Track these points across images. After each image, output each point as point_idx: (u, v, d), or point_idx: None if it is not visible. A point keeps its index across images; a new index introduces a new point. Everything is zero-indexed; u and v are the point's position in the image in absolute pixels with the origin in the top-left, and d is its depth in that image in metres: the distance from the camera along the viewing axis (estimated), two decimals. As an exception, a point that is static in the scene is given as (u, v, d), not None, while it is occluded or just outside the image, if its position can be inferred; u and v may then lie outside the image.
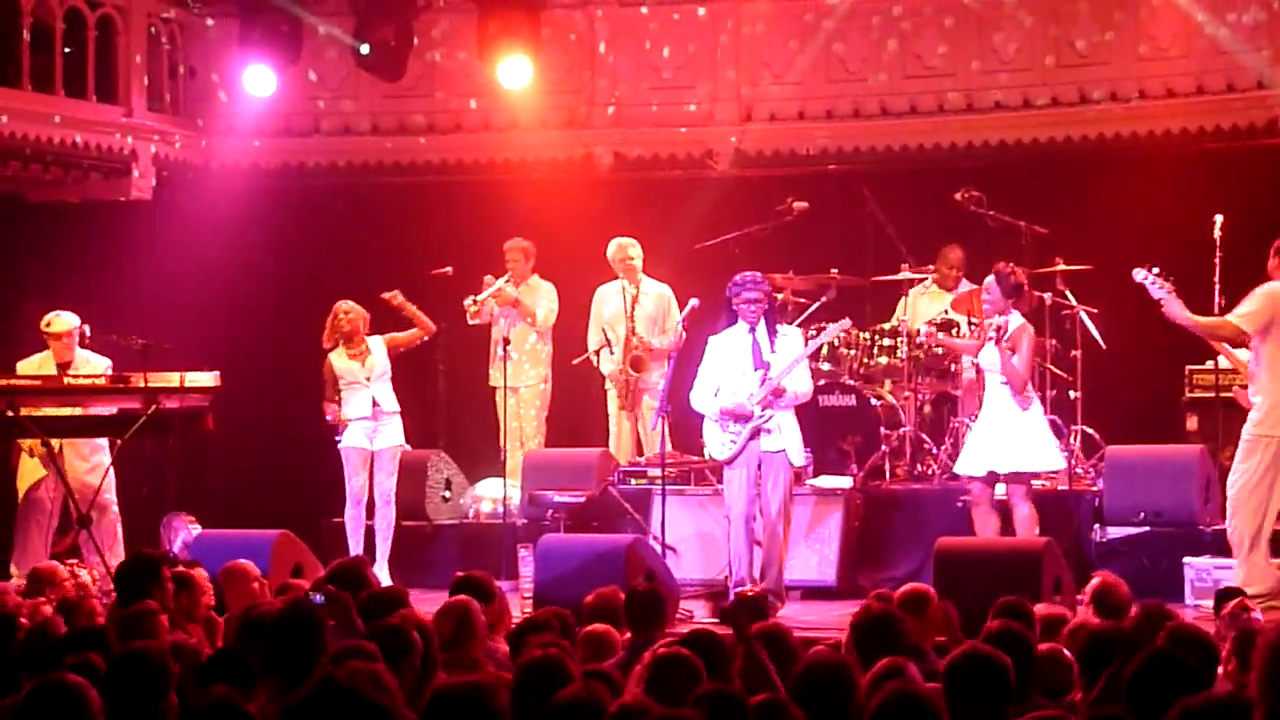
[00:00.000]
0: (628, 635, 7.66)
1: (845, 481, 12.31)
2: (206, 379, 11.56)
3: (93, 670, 5.59)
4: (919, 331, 12.46)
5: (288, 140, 15.61)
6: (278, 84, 14.80)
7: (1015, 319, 11.00)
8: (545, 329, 13.61)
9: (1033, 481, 11.09)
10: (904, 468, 12.64)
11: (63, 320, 12.12)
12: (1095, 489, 11.98)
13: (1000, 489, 11.04)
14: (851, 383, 12.79)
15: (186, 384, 11.49)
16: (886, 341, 12.94)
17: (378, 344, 12.36)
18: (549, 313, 13.57)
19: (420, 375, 13.29)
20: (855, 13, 14.81)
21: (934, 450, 12.64)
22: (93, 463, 12.05)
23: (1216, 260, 11.49)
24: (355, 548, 11.99)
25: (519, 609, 10.14)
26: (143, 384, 11.37)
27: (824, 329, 11.75)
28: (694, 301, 11.99)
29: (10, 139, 13.95)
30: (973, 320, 12.44)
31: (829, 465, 12.49)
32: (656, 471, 11.95)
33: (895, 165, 14.73)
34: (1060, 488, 11.66)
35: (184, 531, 12.78)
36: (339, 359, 12.27)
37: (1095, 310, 12.58)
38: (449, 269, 13.52)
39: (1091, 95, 14.38)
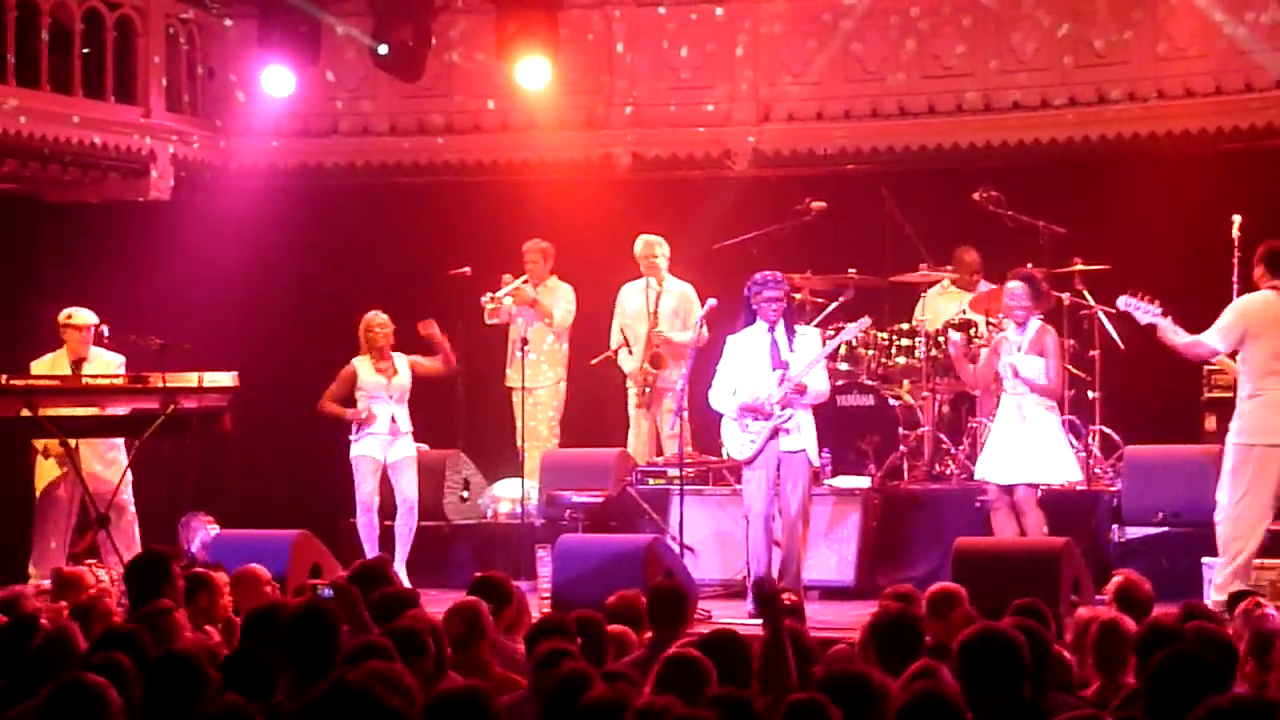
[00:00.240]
0: (647, 635, 7.67)
1: (864, 481, 12.29)
2: (225, 379, 11.58)
3: (118, 671, 5.60)
4: (945, 338, 12.39)
5: (306, 140, 15.64)
6: (296, 84, 14.81)
7: (1034, 323, 10.99)
8: (562, 329, 13.61)
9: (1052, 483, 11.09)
10: (922, 468, 12.63)
11: (83, 314, 12.14)
12: (1114, 489, 11.95)
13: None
14: (870, 383, 12.78)
15: (205, 384, 11.51)
16: (905, 341, 12.92)
17: (404, 364, 12.34)
18: (566, 313, 13.57)
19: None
20: (873, 13, 14.80)
21: (952, 450, 12.62)
22: (110, 463, 12.05)
23: (1234, 260, 11.46)
24: (370, 552, 11.98)
25: (537, 609, 10.14)
26: (161, 384, 11.40)
27: (843, 328, 11.73)
28: (712, 301, 11.98)
29: (29, 139, 13.99)
30: (991, 320, 12.43)
31: (847, 465, 12.48)
32: (675, 471, 11.94)
33: (913, 165, 14.72)
34: (1079, 488, 11.64)
35: (203, 532, 12.79)
36: (365, 370, 12.22)
37: (1113, 310, 12.53)
38: (467, 269, 13.53)
39: (1110, 95, 14.36)
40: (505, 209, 14.75)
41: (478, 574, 8.51)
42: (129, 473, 11.89)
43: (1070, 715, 5.44)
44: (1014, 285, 11.08)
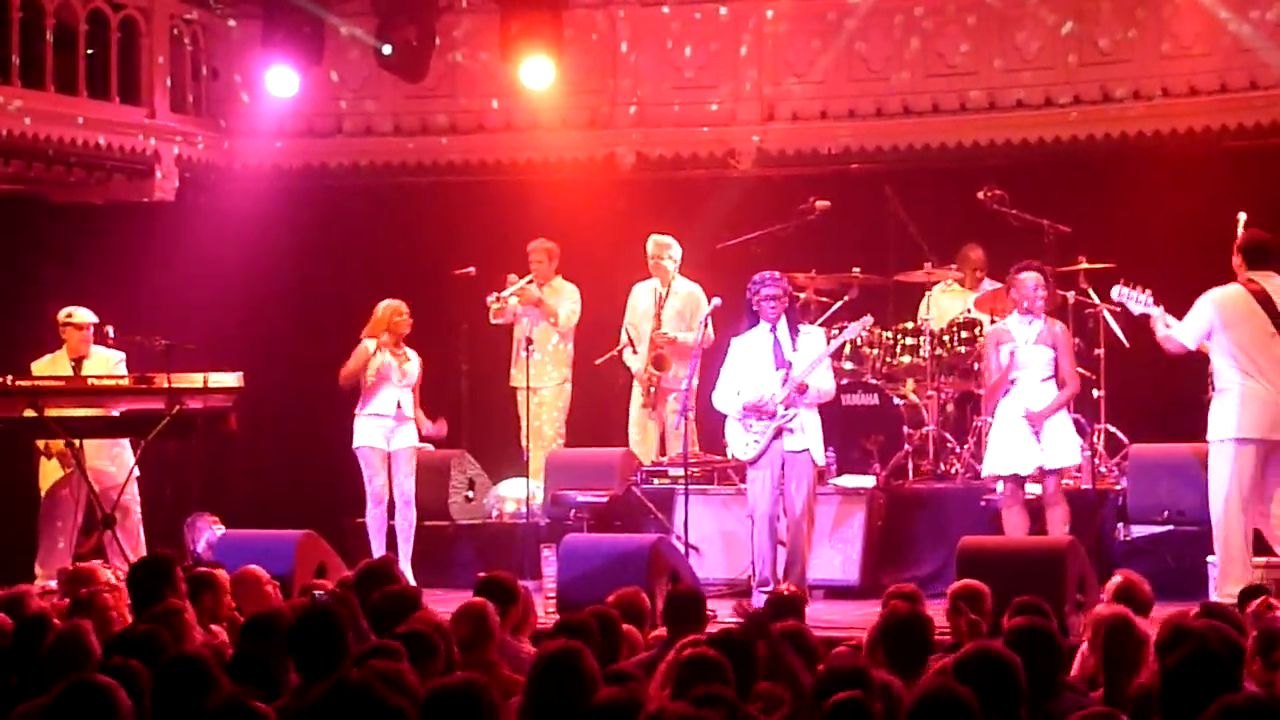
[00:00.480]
0: (653, 634, 7.67)
1: (868, 481, 12.29)
2: (229, 379, 11.59)
3: (127, 672, 5.60)
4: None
5: (310, 141, 15.64)
6: (300, 85, 14.81)
7: (1038, 318, 11.02)
8: (567, 329, 13.60)
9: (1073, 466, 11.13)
10: (927, 467, 12.62)
11: (82, 313, 12.15)
12: (1119, 488, 11.95)
13: (1031, 488, 11.00)
14: (874, 382, 12.78)
15: (209, 385, 11.52)
16: (909, 340, 12.91)
17: (415, 357, 12.36)
18: (571, 313, 13.56)
19: (443, 376, 13.29)
20: (877, 11, 14.79)
21: (957, 449, 12.62)
22: (115, 463, 12.06)
23: (1240, 258, 11.44)
24: (378, 548, 11.98)
25: (542, 609, 10.14)
26: (166, 385, 11.40)
27: (846, 327, 11.74)
28: (716, 301, 11.98)
29: (34, 140, 14.00)
30: (995, 319, 12.43)
31: (852, 464, 12.47)
32: (679, 471, 11.95)
33: (918, 164, 14.71)
34: (1084, 486, 11.64)
35: (208, 532, 12.80)
36: (380, 352, 12.25)
37: (1118, 308, 12.54)
38: (471, 269, 13.55)
39: (1114, 93, 14.35)
40: (509, 209, 14.75)
41: (482, 574, 8.51)
42: (135, 473, 11.89)
43: (1083, 714, 5.42)
44: (1030, 276, 11.08)
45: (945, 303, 13.35)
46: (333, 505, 12.96)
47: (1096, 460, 12.02)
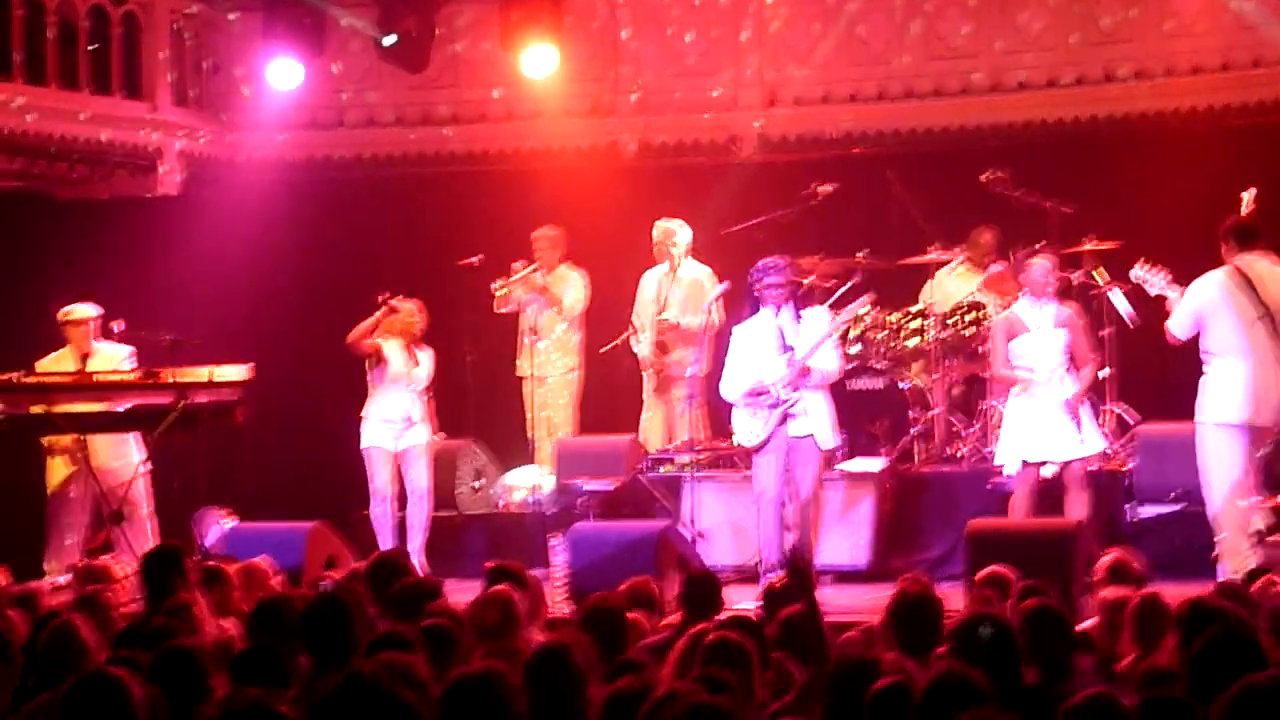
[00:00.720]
0: (663, 621, 7.68)
1: (875, 465, 12.28)
2: (236, 373, 11.59)
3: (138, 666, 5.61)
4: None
5: (312, 133, 15.65)
6: (302, 77, 14.81)
7: (1049, 302, 11.02)
8: (573, 317, 13.60)
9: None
10: (934, 450, 12.62)
11: (81, 309, 12.16)
12: (1127, 468, 11.95)
13: (1047, 472, 10.99)
14: (880, 366, 12.77)
15: (216, 378, 11.51)
16: (915, 324, 12.90)
17: (427, 358, 12.35)
18: (576, 301, 13.56)
19: (449, 365, 13.29)
20: (878, -6, 14.80)
21: (963, 433, 12.61)
22: (122, 458, 12.07)
23: (1245, 237, 11.44)
24: (384, 544, 11.99)
25: (551, 598, 10.15)
26: (172, 379, 11.41)
27: (845, 307, 11.73)
28: (724, 284, 11.97)
29: (37, 137, 14.01)
30: (1000, 302, 12.43)
31: (859, 449, 12.47)
32: (686, 458, 11.94)
33: (921, 147, 14.70)
34: (1092, 467, 11.63)
35: (217, 525, 12.81)
36: (392, 349, 12.23)
37: (1127, 287, 12.53)
38: (476, 259, 13.54)
39: (1117, 73, 14.34)
40: (513, 198, 14.75)
41: (491, 563, 8.53)
42: (143, 469, 11.90)
43: (1090, 692, 5.43)
44: (1041, 262, 11.07)
45: (952, 285, 13.33)
46: (340, 498, 12.95)
47: (1105, 441, 12.00)
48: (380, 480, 12.22)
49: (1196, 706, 4.73)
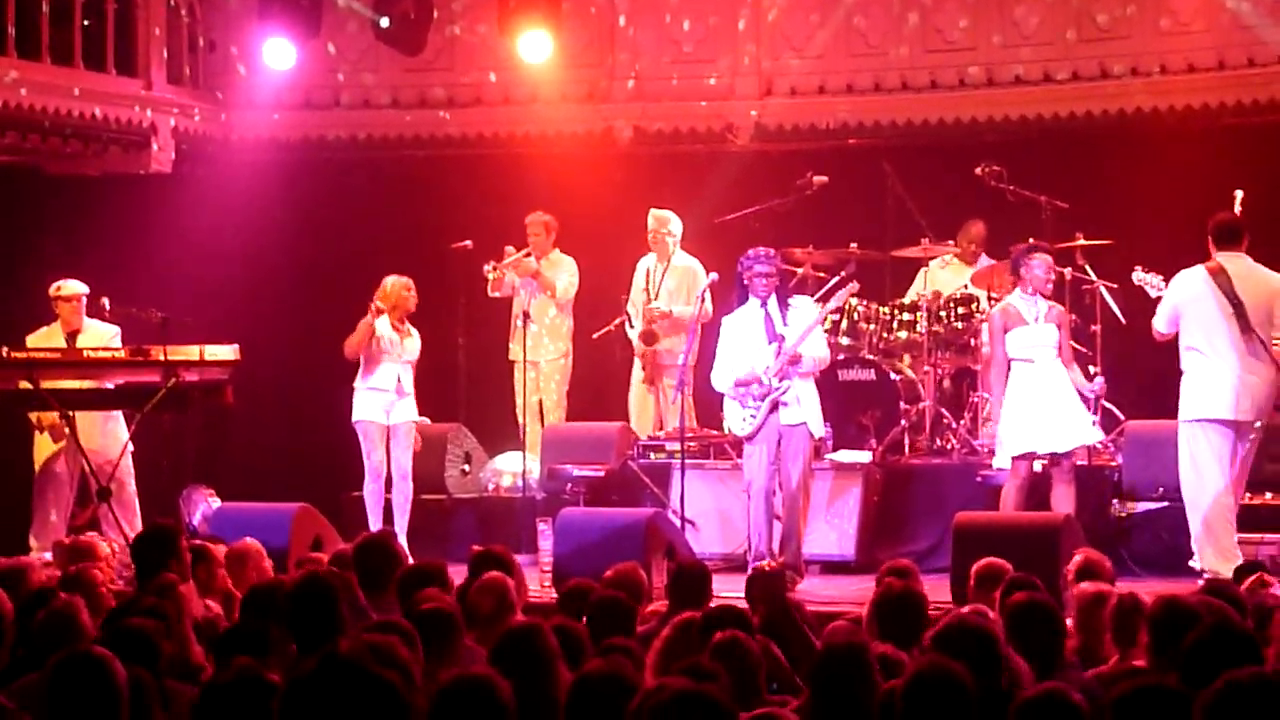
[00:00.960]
0: (649, 608, 7.68)
1: (864, 456, 12.29)
2: (226, 352, 11.57)
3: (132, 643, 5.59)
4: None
5: (307, 114, 15.61)
6: (297, 57, 14.77)
7: (1041, 298, 11.03)
8: (565, 302, 13.60)
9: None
10: (923, 442, 12.63)
11: (71, 285, 12.13)
12: (1115, 464, 11.96)
13: (1038, 465, 11.00)
14: (871, 357, 12.78)
15: (206, 357, 11.50)
16: (906, 316, 12.90)
17: (417, 335, 12.35)
18: (568, 286, 13.55)
19: (440, 349, 13.29)
20: (876, -14, 14.78)
21: (953, 425, 12.62)
22: (110, 435, 12.05)
23: (1236, 236, 11.45)
24: (375, 522, 11.99)
25: (538, 583, 10.15)
26: (162, 357, 11.38)
27: (833, 295, 11.74)
28: (713, 276, 11.98)
29: (30, 111, 13.96)
30: (993, 295, 12.44)
31: (848, 440, 12.48)
32: (675, 446, 11.95)
33: (916, 140, 14.69)
34: (1080, 463, 11.63)
35: (204, 505, 12.81)
36: (383, 325, 12.23)
37: (1115, 285, 12.55)
38: (469, 243, 13.55)
39: (1112, 70, 14.32)
40: (507, 182, 14.73)
41: (477, 548, 8.52)
42: (130, 446, 11.89)
43: (1042, 688, 5.44)
44: (1043, 258, 11.08)
45: (943, 278, 13.33)
46: (329, 479, 12.96)
47: (1105, 440, 12.02)
48: (375, 458, 12.20)
49: (1178, 692, 4.73)
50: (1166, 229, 12.72)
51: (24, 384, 11.36)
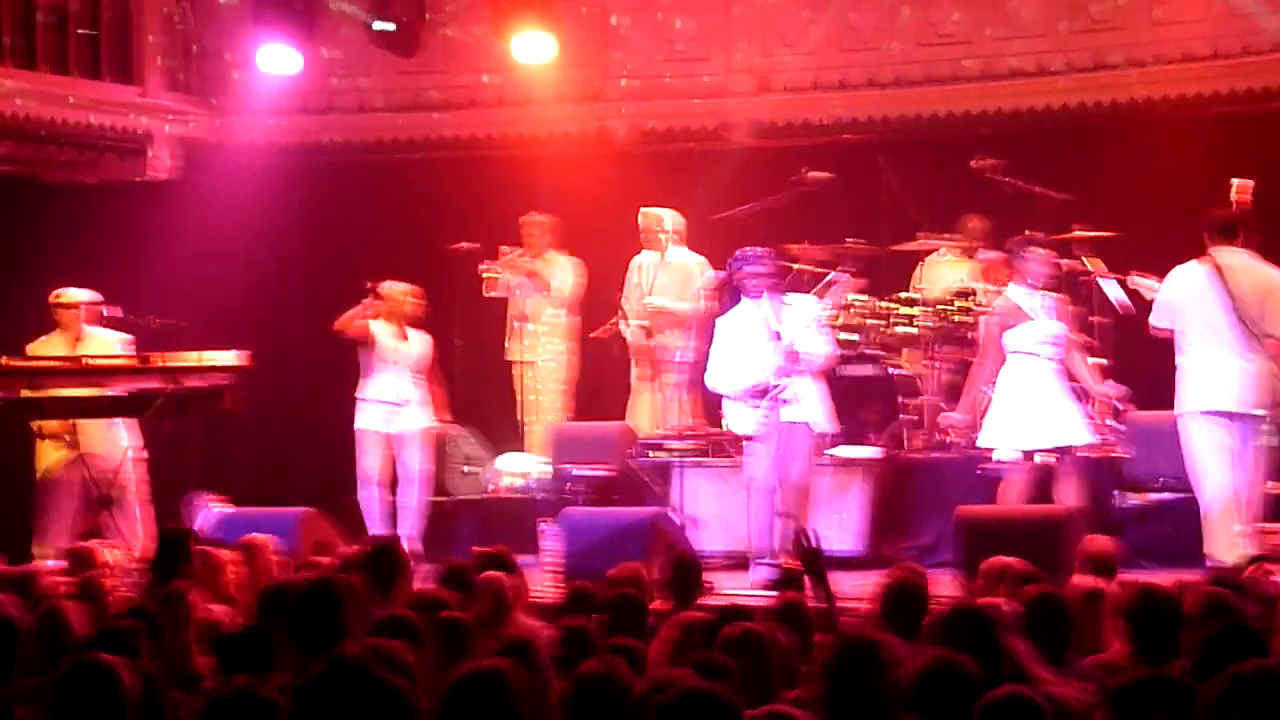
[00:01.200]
0: (652, 605, 7.69)
1: (866, 451, 12.29)
2: (227, 358, 11.60)
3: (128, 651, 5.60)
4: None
5: (303, 118, 15.61)
6: (293, 62, 14.80)
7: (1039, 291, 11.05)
8: (563, 300, 13.60)
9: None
10: (924, 437, 12.63)
11: (72, 293, 12.15)
12: (1118, 455, 11.96)
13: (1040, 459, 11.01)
14: (871, 352, 12.78)
15: (207, 363, 11.52)
16: (905, 310, 12.90)
17: (421, 338, 12.33)
18: (564, 284, 13.56)
19: (439, 350, 13.28)
20: (868, -19, 14.79)
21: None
22: (113, 443, 12.06)
23: (1234, 224, 11.45)
24: (371, 527, 12.00)
25: (541, 583, 10.16)
26: (163, 364, 11.40)
27: (829, 289, 11.74)
28: (712, 273, 11.98)
29: (26, 120, 13.98)
30: (990, 289, 12.43)
31: (849, 435, 12.47)
32: (677, 444, 11.95)
33: (911, 134, 14.69)
34: (1081, 454, 11.64)
35: (208, 510, 12.80)
36: (382, 332, 12.23)
37: (1116, 277, 12.56)
38: (466, 244, 13.55)
39: (1107, 60, 14.32)
40: (503, 183, 14.74)
41: (480, 549, 8.54)
42: (131, 452, 11.90)
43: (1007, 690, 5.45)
44: (1043, 252, 11.10)
45: (941, 272, 13.34)
46: (332, 483, 12.96)
47: (1103, 437, 12.03)
48: (366, 464, 12.23)
49: (1176, 682, 4.73)
50: (1164, 218, 12.72)
51: (26, 392, 11.38)
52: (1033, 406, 10.86)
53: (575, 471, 12.34)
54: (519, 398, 13.57)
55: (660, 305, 13.22)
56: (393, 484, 12.35)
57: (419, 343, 12.34)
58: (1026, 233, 12.14)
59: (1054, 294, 11.11)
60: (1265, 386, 10.14)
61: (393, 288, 12.28)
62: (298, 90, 15.42)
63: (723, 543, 11.86)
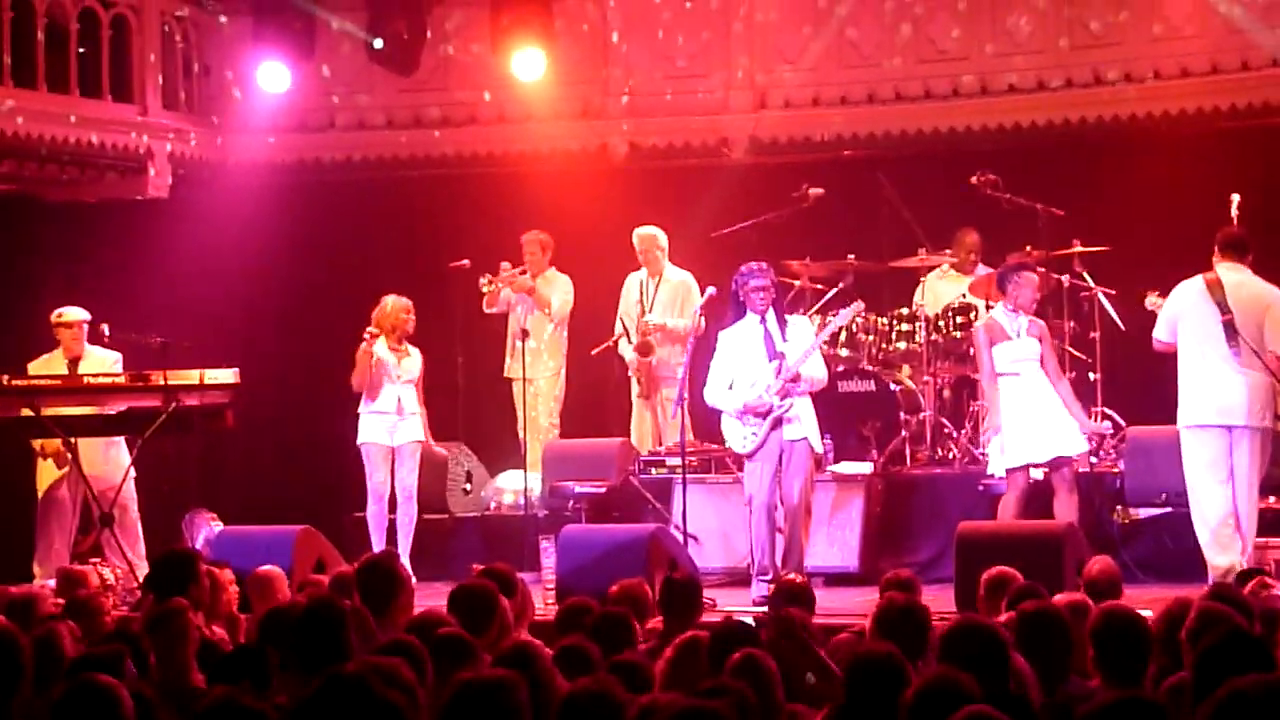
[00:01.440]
0: (651, 624, 7.68)
1: (866, 467, 12.29)
2: (226, 376, 11.59)
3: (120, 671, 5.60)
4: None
5: (303, 136, 15.63)
6: (292, 80, 14.83)
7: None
8: (561, 318, 13.61)
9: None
10: (924, 452, 12.63)
11: (73, 312, 12.16)
12: (1116, 470, 11.97)
13: (1036, 475, 11.01)
14: (870, 368, 12.78)
15: (206, 381, 11.52)
16: (905, 326, 12.92)
17: (418, 354, 12.36)
18: (563, 303, 13.57)
19: (439, 368, 13.29)
20: (868, -2, 14.80)
21: (954, 434, 12.62)
22: (111, 464, 12.06)
23: (1234, 240, 11.46)
24: (378, 544, 11.99)
25: (541, 600, 10.16)
26: (162, 382, 11.41)
27: (838, 314, 11.76)
28: (710, 290, 11.99)
29: (26, 139, 13.98)
30: (990, 304, 12.44)
31: (849, 451, 12.48)
32: (677, 460, 11.95)
33: (910, 150, 14.70)
34: (1081, 469, 11.65)
35: (206, 529, 12.81)
36: (380, 348, 12.23)
37: (1113, 291, 12.57)
38: (466, 262, 13.57)
39: (1106, 76, 14.33)
40: (503, 201, 14.76)
41: (479, 566, 8.53)
42: (132, 471, 11.90)
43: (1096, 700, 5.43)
44: (1032, 276, 11.14)
45: (941, 288, 13.36)
46: (331, 501, 12.98)
47: (1094, 443, 12.03)
48: (377, 480, 12.21)
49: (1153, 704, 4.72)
50: (1163, 234, 12.75)
51: (26, 411, 11.39)
52: (1022, 423, 10.86)
53: (576, 489, 12.33)
54: (520, 415, 13.57)
55: (660, 323, 13.23)
56: (390, 499, 12.33)
57: (416, 359, 12.35)
58: (1028, 249, 12.18)
59: (1030, 316, 11.09)
60: (1261, 400, 10.15)
61: (389, 303, 12.28)
62: (297, 108, 15.44)
63: (724, 559, 11.88)
